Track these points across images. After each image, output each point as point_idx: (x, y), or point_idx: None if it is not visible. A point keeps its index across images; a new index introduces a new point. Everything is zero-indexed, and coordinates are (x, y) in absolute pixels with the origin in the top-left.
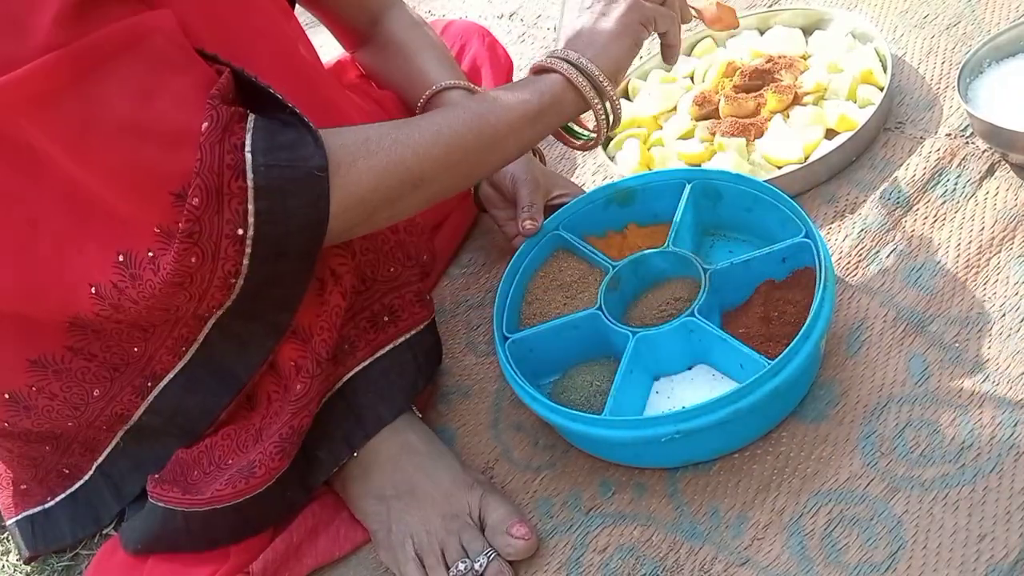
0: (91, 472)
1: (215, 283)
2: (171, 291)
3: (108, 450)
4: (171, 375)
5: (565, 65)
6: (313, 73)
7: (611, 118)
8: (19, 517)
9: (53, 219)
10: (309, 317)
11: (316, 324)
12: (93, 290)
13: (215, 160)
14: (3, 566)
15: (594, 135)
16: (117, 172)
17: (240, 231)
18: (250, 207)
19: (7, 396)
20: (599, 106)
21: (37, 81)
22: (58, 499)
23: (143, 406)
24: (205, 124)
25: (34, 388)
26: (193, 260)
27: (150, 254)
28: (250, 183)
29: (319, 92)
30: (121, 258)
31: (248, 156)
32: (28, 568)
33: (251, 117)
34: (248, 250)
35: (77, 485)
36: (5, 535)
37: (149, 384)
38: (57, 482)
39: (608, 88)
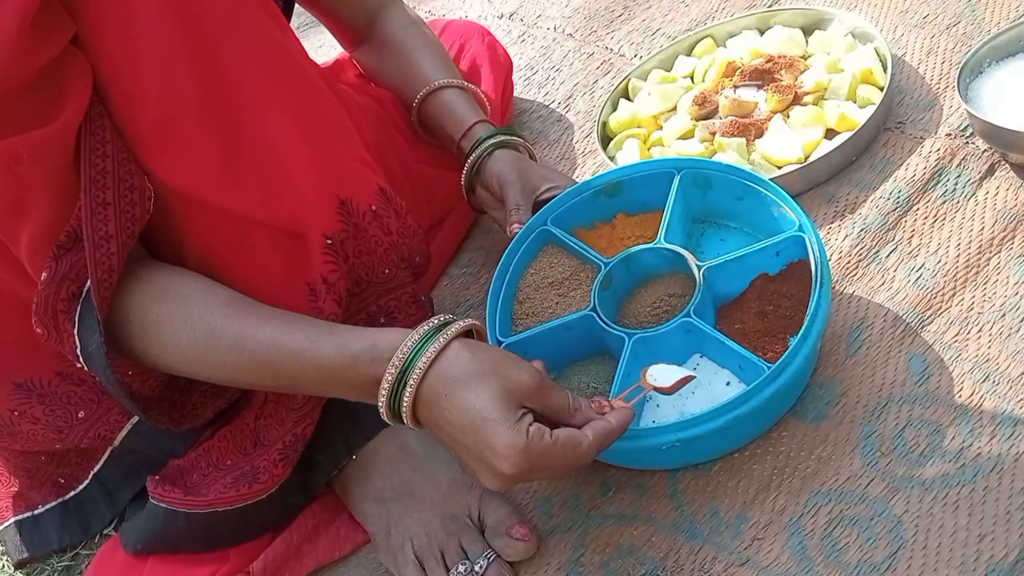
0: (87, 481)
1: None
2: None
3: (104, 459)
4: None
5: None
6: (304, 77)
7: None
8: (9, 522)
9: None
10: None
11: None
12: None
13: (50, 307)
14: (3, 566)
15: None
16: None
17: (79, 364)
18: (78, 350)
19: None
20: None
21: None
22: (49, 506)
23: (127, 427)
24: (44, 275)
25: (16, 413)
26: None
27: None
28: (76, 330)
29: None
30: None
31: (80, 308)
32: (28, 568)
33: (88, 286)
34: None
35: (71, 494)
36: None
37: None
38: (51, 491)
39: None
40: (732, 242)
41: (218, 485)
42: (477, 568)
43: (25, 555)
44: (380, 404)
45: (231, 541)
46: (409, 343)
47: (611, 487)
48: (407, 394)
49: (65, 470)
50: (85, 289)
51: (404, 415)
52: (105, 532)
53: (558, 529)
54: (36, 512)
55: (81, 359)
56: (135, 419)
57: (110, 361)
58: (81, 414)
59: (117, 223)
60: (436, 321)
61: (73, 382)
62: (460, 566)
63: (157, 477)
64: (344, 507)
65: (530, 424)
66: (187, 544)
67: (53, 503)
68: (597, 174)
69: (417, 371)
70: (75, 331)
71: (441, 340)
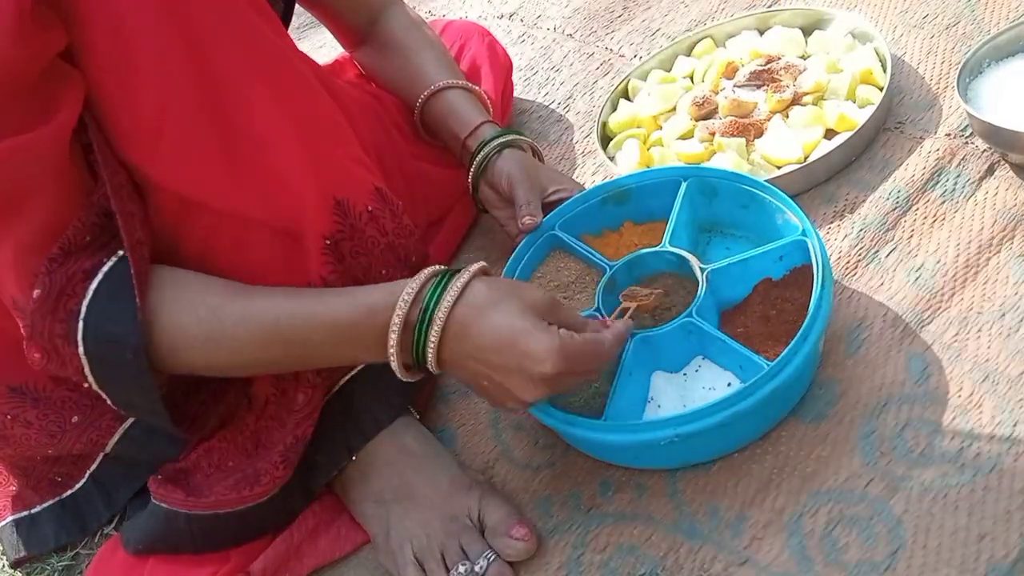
0: (84, 480)
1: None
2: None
3: (99, 459)
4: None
5: (408, 309)
6: (299, 77)
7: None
8: (7, 521)
9: None
10: None
11: None
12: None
13: (45, 329)
14: (2, 566)
15: None
16: None
17: (86, 385)
18: (86, 370)
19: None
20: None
21: None
22: (46, 504)
23: (119, 432)
24: (37, 292)
25: (9, 416)
26: (37, 355)
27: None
28: (81, 351)
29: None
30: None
31: (81, 325)
32: (28, 568)
33: (100, 273)
34: (106, 396)
35: (67, 493)
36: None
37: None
38: (48, 489)
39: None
40: (737, 251)
41: (219, 487)
42: (477, 568)
43: (22, 554)
44: (392, 354)
45: (232, 542)
46: (428, 285)
47: (611, 487)
48: (434, 332)
49: (62, 469)
50: (87, 298)
51: (429, 355)
52: (105, 532)
53: (558, 529)
54: (33, 511)
55: (91, 377)
56: (127, 424)
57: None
58: (75, 419)
59: (138, 204)
60: (439, 267)
61: (68, 387)
62: (460, 566)
63: (159, 477)
64: (344, 507)
65: (559, 329)
66: (188, 545)
67: (50, 502)
68: (605, 181)
69: (445, 306)
70: (79, 350)
71: (465, 276)
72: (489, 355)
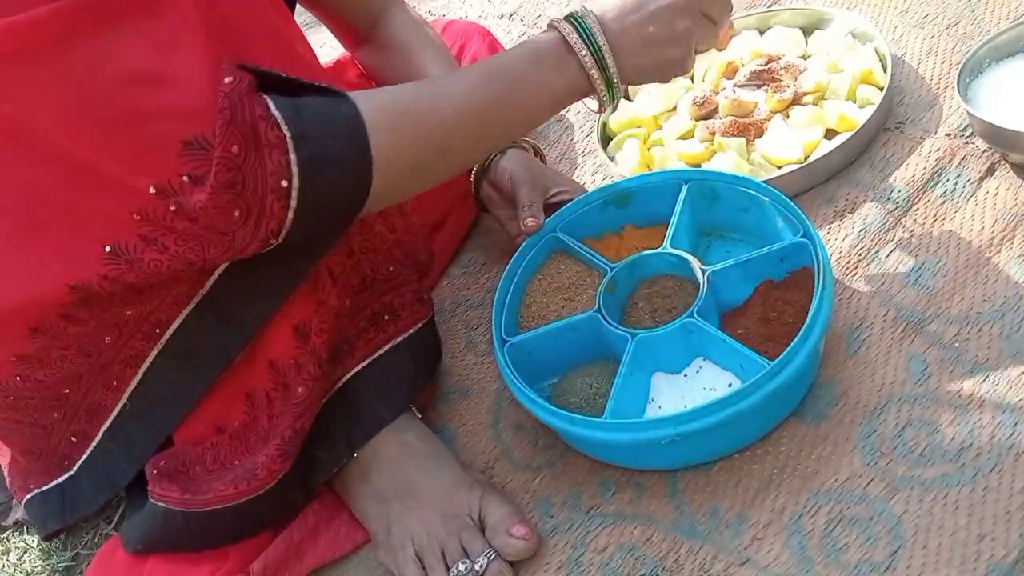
0: (99, 438)
1: (254, 243)
2: (209, 242)
3: (114, 414)
4: (176, 323)
5: (574, 35)
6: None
7: (608, 105)
8: (43, 489)
9: (54, 194)
10: (308, 316)
11: (315, 324)
12: (108, 249)
13: (246, 111)
14: (3, 566)
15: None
16: (114, 126)
17: (284, 183)
18: (292, 156)
19: (14, 358)
20: (601, 86)
21: (37, 30)
22: (78, 465)
23: (156, 347)
24: (228, 79)
25: (62, 322)
26: (236, 214)
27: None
28: (287, 132)
29: None
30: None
31: (277, 112)
32: (28, 567)
33: (269, 94)
34: (293, 204)
35: (88, 452)
36: (4, 535)
37: (157, 331)
38: (67, 451)
39: (615, 81)
40: (737, 254)
41: (217, 484)
42: (477, 567)
43: (66, 520)
44: (585, 59)
45: (231, 539)
46: (570, 31)
47: (611, 487)
48: (598, 35)
49: (76, 427)
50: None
51: (606, 56)
52: (105, 532)
53: (558, 529)
54: (71, 473)
55: (296, 167)
56: (162, 341)
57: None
58: (107, 339)
59: None
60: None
61: (79, 323)
62: (460, 565)
63: (157, 473)
64: (344, 506)
65: None
66: (187, 543)
67: (80, 461)
68: (606, 183)
69: (591, 16)
70: (285, 132)
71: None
72: (643, 17)
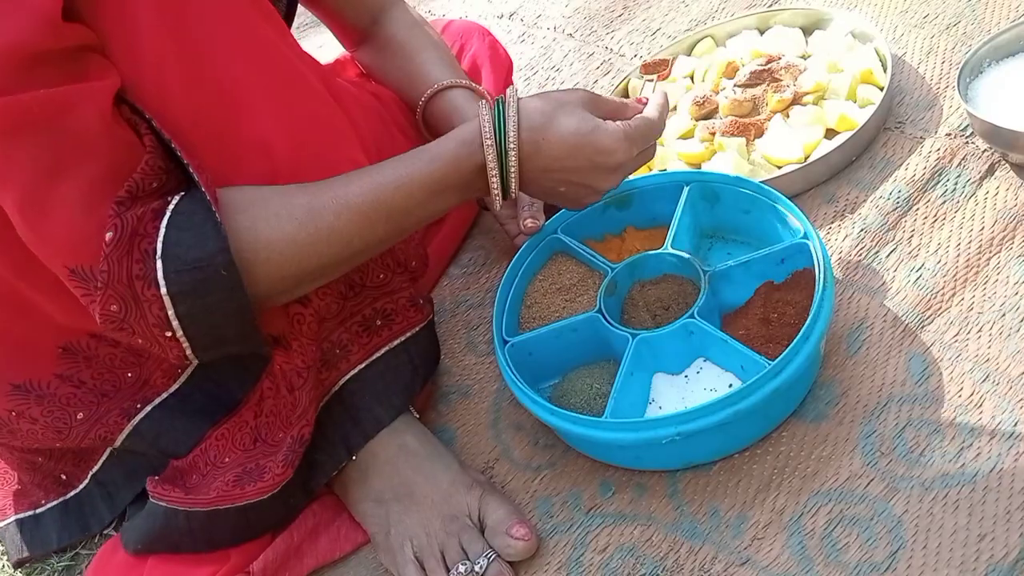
0: (86, 481)
1: (169, 362)
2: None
3: (102, 460)
4: (163, 397)
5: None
6: (298, 78)
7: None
8: (10, 520)
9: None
10: (283, 328)
11: (291, 332)
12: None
13: (123, 272)
14: (3, 566)
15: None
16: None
17: (168, 333)
18: (170, 312)
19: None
20: (494, 176)
21: None
22: (49, 505)
23: (128, 428)
24: (110, 235)
25: (14, 413)
26: (140, 342)
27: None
28: (163, 291)
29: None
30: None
31: (159, 264)
32: (28, 568)
33: (168, 211)
34: (186, 344)
35: (71, 493)
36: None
37: (139, 406)
38: (53, 488)
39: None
40: (739, 256)
41: (218, 483)
42: (477, 568)
43: (25, 554)
44: (493, 182)
45: (231, 541)
46: (488, 122)
47: (611, 487)
48: (512, 157)
49: (67, 467)
50: (160, 236)
51: (512, 182)
52: (105, 532)
53: (558, 529)
54: (38, 511)
55: (176, 321)
56: (136, 420)
57: (236, 275)
58: (80, 415)
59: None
60: (485, 103)
61: (73, 384)
62: (460, 566)
63: (157, 477)
64: (344, 507)
65: (613, 121)
66: (187, 544)
67: (54, 502)
68: None
69: (511, 135)
70: (161, 291)
71: (512, 103)
72: (564, 162)
